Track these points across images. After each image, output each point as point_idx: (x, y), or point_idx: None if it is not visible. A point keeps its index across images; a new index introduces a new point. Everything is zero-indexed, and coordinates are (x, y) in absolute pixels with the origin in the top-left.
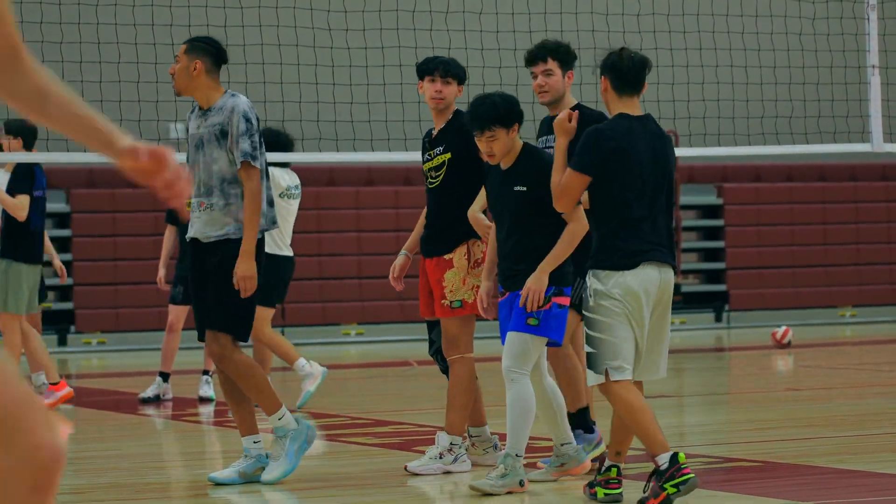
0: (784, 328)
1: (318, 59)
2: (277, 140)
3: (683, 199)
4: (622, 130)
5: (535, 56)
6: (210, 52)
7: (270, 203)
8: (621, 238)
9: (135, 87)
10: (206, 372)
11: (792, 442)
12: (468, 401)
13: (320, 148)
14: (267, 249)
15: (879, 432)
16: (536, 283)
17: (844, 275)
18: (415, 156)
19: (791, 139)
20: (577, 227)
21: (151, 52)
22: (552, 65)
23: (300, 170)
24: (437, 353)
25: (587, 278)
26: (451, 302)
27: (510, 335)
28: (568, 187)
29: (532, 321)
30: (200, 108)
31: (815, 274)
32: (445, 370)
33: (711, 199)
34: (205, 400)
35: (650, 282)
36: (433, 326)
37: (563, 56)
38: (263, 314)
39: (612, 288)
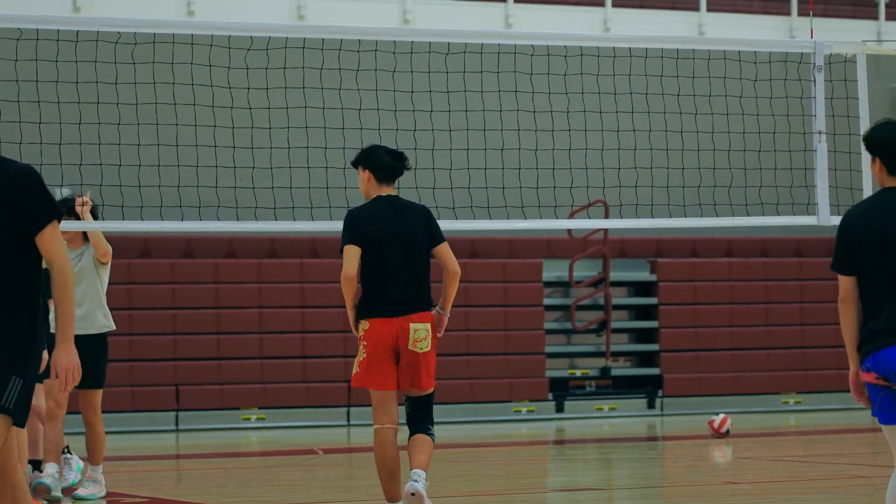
0: (722, 416)
1: (216, 121)
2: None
3: (613, 275)
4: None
5: None
6: None
7: None
8: None
9: None
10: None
11: None
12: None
13: (219, 217)
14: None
15: None
16: None
17: (788, 358)
18: (320, 226)
19: (730, 210)
20: None
21: None
22: None
23: (199, 240)
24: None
25: None
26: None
27: None
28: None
29: None
30: None
31: (757, 357)
32: None
33: (644, 275)
34: None
35: None
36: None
37: None
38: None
39: None
